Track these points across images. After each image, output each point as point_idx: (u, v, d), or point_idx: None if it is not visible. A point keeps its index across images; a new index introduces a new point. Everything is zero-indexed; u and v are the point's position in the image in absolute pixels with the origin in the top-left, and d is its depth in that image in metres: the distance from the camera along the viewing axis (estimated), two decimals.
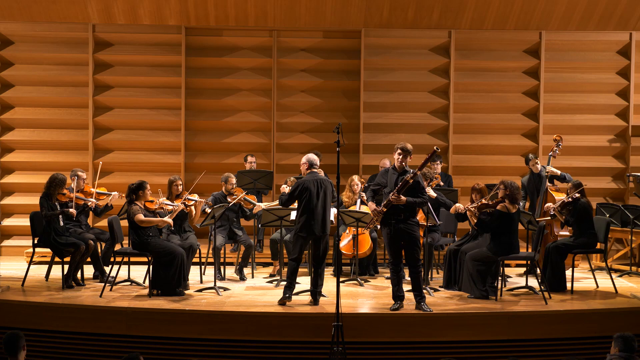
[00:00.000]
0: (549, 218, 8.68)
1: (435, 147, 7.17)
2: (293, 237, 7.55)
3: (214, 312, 6.98)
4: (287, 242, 8.57)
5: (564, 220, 8.32)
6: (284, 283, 7.46)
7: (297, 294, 7.62)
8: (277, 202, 8.38)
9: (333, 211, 7.78)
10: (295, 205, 7.59)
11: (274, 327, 6.86)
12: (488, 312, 7.07)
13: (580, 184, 8.29)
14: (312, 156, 7.62)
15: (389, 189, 7.17)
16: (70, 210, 8.18)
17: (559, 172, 9.07)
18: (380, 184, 7.34)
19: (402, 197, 7.01)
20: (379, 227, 7.47)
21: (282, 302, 7.27)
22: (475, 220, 7.78)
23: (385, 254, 9.62)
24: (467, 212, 7.88)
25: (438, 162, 9.61)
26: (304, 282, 8.14)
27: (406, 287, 7.33)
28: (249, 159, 10.01)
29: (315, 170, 7.52)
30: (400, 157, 7.19)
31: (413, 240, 7.15)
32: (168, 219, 7.87)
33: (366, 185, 9.24)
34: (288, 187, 8.47)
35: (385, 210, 7.11)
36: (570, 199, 8.20)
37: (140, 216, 7.62)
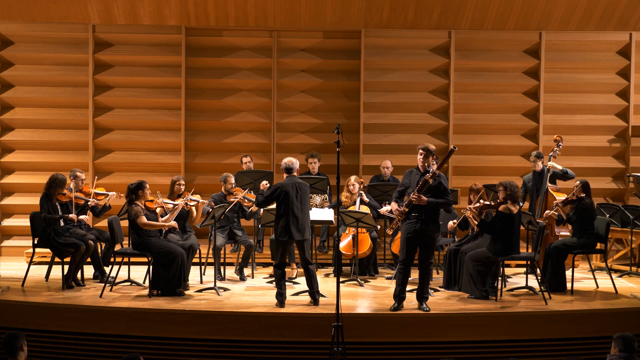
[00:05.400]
0: (555, 217, 8.68)
1: (452, 146, 7.19)
2: (274, 242, 7.48)
3: (214, 313, 6.98)
4: None
5: (565, 216, 8.31)
6: None
7: (297, 294, 7.62)
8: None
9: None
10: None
11: (274, 327, 6.86)
12: (488, 312, 7.07)
13: (587, 183, 8.28)
14: (287, 160, 7.57)
15: (412, 190, 7.16)
16: (71, 215, 8.18)
17: (560, 167, 9.05)
18: (405, 184, 7.33)
19: (423, 197, 7.01)
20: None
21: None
22: (477, 221, 7.77)
23: (385, 254, 9.63)
24: (468, 212, 7.87)
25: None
26: (303, 282, 8.13)
27: (408, 287, 7.32)
28: (244, 159, 10.00)
29: (294, 174, 7.51)
30: (422, 157, 7.18)
31: (430, 244, 7.15)
32: (172, 223, 7.86)
33: (366, 185, 9.25)
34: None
35: (407, 210, 7.11)
36: (575, 197, 8.19)
37: (143, 219, 7.60)
